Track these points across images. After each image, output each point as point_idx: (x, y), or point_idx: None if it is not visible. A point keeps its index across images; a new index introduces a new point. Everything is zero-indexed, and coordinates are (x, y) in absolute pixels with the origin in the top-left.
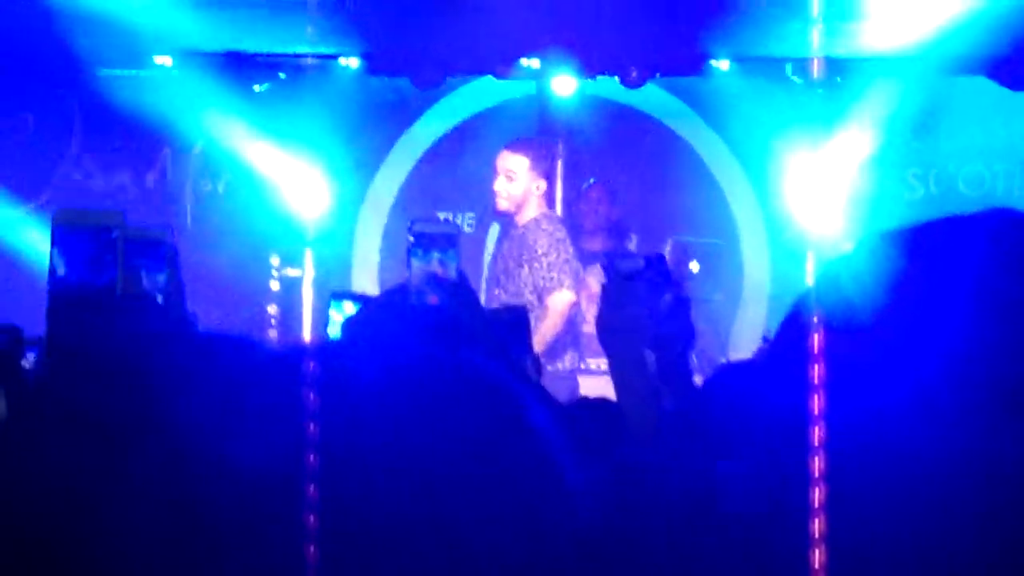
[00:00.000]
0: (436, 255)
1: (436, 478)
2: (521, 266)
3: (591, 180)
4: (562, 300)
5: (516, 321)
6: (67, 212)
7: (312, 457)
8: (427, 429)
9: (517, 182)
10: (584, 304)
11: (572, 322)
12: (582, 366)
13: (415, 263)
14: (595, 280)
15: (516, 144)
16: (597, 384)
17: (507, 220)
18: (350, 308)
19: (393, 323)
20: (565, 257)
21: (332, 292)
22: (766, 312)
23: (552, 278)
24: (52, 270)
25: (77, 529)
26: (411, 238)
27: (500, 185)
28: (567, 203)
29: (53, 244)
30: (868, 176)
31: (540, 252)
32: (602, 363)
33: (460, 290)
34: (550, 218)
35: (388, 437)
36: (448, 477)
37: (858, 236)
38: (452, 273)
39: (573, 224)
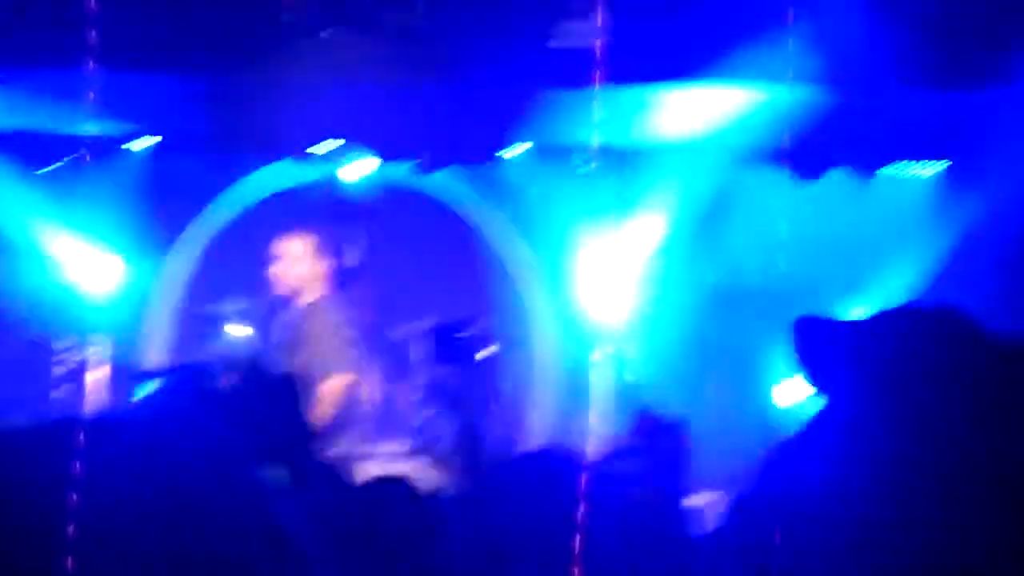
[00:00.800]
0: (228, 336)
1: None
2: (302, 349)
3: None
4: (334, 385)
5: (290, 392)
6: None
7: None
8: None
9: (294, 266)
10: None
11: (346, 407)
12: (364, 450)
13: (207, 345)
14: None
15: (293, 229)
16: (375, 468)
17: (290, 304)
18: (146, 387)
19: (183, 403)
20: (340, 341)
21: (134, 372)
22: (555, 398)
23: (332, 362)
24: None
25: None
26: (204, 321)
27: (278, 268)
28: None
29: None
30: (660, 263)
31: (315, 336)
32: (380, 447)
33: (254, 370)
34: (328, 300)
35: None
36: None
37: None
38: (244, 353)
39: None
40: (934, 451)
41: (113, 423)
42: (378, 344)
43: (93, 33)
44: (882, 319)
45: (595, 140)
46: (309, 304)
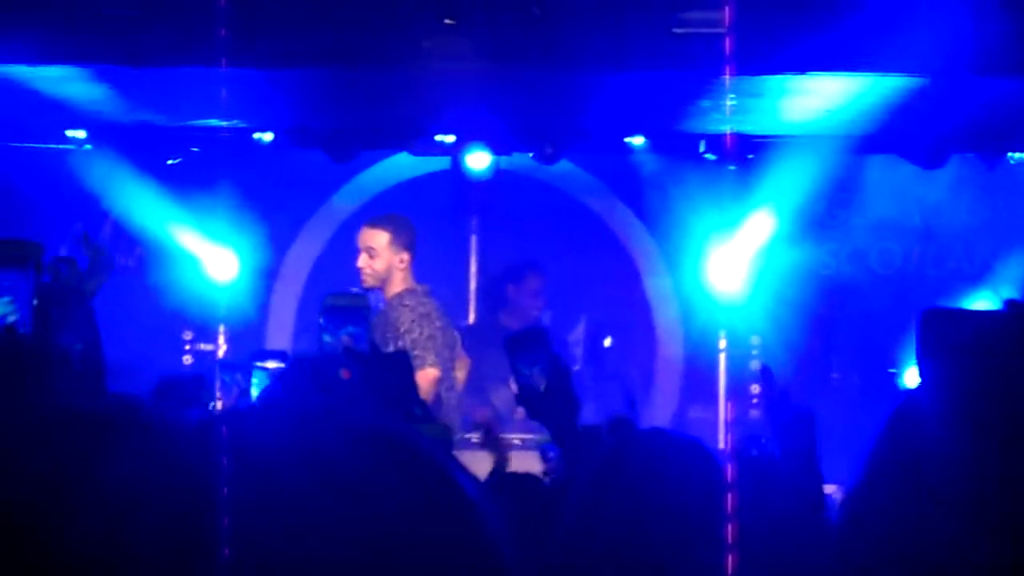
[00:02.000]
0: (347, 329)
1: (356, 545)
2: (387, 344)
3: (528, 270)
4: (425, 378)
5: (401, 370)
6: None
7: (227, 525)
8: (345, 498)
9: (379, 258)
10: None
11: (439, 398)
12: (464, 436)
13: (327, 337)
14: None
15: (375, 220)
16: (474, 458)
17: (380, 296)
18: (267, 373)
19: (306, 396)
20: (429, 333)
21: (252, 354)
22: (678, 387)
23: (415, 356)
24: None
25: None
26: (323, 313)
27: (363, 262)
28: (492, 282)
29: None
30: (781, 252)
31: (403, 330)
32: (476, 436)
33: (371, 362)
34: (414, 293)
35: (306, 506)
36: (370, 544)
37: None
38: (363, 346)
39: (510, 308)
40: None
41: (248, 415)
42: (499, 335)
43: (218, 27)
44: (1010, 311)
45: (721, 128)
46: (395, 295)
